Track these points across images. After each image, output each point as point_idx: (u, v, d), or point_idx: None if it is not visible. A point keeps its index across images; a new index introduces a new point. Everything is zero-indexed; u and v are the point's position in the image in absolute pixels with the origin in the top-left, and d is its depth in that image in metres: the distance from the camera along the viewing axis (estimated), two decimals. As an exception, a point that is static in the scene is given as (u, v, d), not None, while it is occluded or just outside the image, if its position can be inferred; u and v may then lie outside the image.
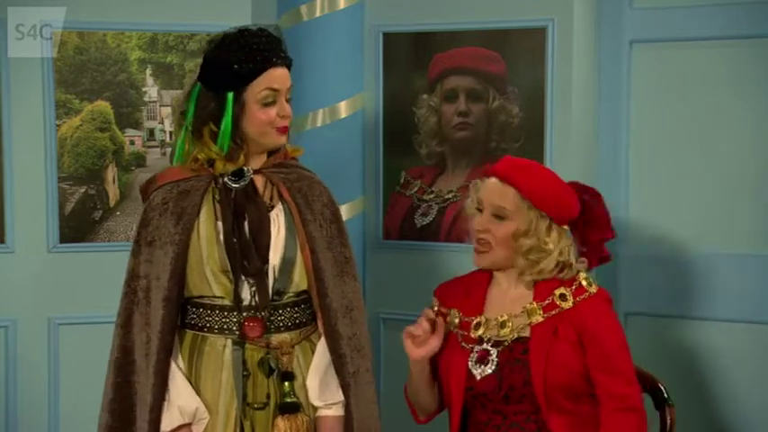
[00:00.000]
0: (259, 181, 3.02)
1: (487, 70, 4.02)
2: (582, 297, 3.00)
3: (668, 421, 3.15)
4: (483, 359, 2.99)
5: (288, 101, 2.97)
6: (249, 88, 2.92)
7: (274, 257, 2.95)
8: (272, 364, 2.94)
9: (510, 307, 3.03)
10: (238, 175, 2.98)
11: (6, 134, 4.04)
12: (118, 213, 4.17)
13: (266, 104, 2.93)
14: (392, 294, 4.20)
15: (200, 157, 2.98)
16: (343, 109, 4.15)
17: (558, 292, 3.00)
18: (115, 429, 2.98)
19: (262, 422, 2.95)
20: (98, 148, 4.14)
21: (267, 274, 2.94)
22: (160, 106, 4.21)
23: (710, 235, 3.82)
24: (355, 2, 4.15)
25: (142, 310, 2.96)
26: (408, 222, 4.22)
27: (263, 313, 2.94)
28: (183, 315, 2.99)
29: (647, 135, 3.91)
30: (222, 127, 2.93)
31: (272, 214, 2.99)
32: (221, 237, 2.93)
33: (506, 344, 2.99)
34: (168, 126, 4.20)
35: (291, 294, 2.99)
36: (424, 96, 4.15)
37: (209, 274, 2.93)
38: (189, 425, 2.94)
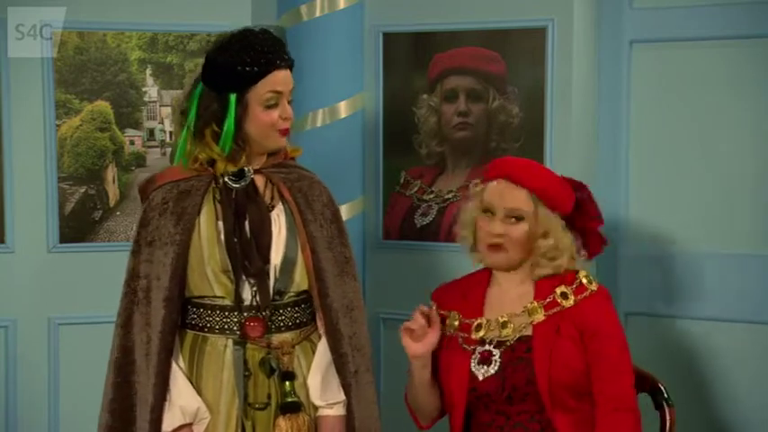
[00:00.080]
0: (259, 181, 3.02)
1: (487, 70, 4.02)
2: (583, 295, 3.01)
3: (668, 421, 3.15)
4: (485, 360, 2.99)
5: (289, 102, 2.97)
6: (252, 90, 2.91)
7: (275, 257, 2.95)
8: (273, 364, 2.94)
9: (510, 307, 3.03)
10: (239, 175, 2.99)
11: (6, 134, 4.03)
12: (118, 213, 4.17)
13: (269, 107, 2.93)
14: (392, 294, 4.20)
15: (200, 157, 2.98)
16: (343, 109, 4.15)
17: (558, 290, 3.01)
18: (115, 429, 2.98)
19: (263, 422, 2.95)
20: (98, 148, 4.14)
21: (268, 274, 2.94)
22: (160, 106, 4.21)
23: (710, 235, 3.82)
24: (355, 2, 4.15)
25: (142, 310, 2.96)
26: (408, 222, 4.22)
27: (264, 313, 2.94)
28: (184, 315, 2.99)
29: (647, 135, 3.91)
30: (225, 128, 2.92)
31: (273, 214, 2.99)
32: (222, 237, 2.93)
33: (509, 343, 2.99)
34: (168, 126, 4.20)
35: (292, 294, 2.99)
36: (424, 96, 4.15)
37: (209, 274, 2.94)
38: (190, 425, 2.94)
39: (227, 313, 2.95)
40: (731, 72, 3.77)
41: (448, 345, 3.04)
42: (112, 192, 4.17)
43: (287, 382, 2.95)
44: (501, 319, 3.01)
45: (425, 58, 4.13)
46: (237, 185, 2.98)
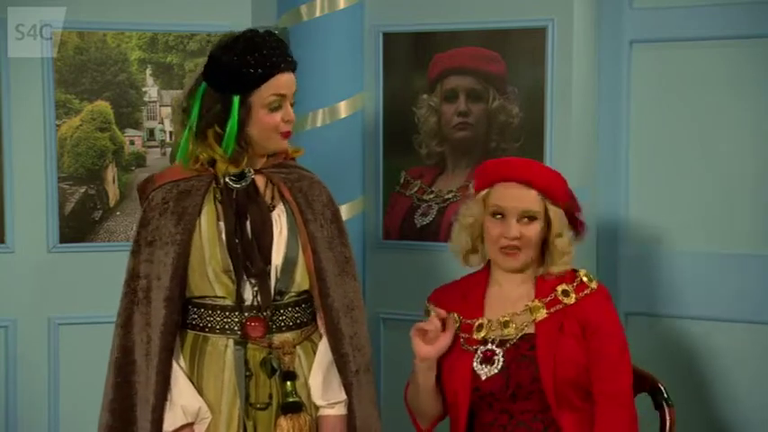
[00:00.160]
0: (260, 181, 3.02)
1: (487, 70, 4.02)
2: (584, 293, 3.02)
3: (668, 421, 3.15)
4: (488, 359, 2.99)
5: (291, 105, 2.97)
6: (256, 92, 2.91)
7: (277, 258, 2.95)
8: (275, 364, 2.94)
9: (511, 306, 3.04)
10: (240, 175, 2.98)
11: (6, 134, 4.03)
12: (118, 213, 4.17)
13: (272, 109, 2.93)
14: (392, 294, 4.20)
15: (202, 157, 2.97)
16: (343, 109, 4.15)
17: (560, 288, 3.02)
18: (116, 429, 2.98)
19: (264, 422, 2.95)
20: (98, 148, 4.14)
21: (269, 274, 2.94)
22: (160, 106, 4.20)
23: (710, 235, 3.82)
24: (355, 2, 4.15)
25: (142, 310, 2.96)
26: (408, 222, 4.22)
27: (265, 313, 2.94)
28: (184, 315, 2.98)
29: (647, 135, 3.91)
30: (227, 130, 2.92)
31: (274, 214, 2.99)
32: (223, 237, 2.93)
33: (512, 342, 2.99)
34: (168, 126, 4.20)
35: (293, 294, 2.99)
36: (424, 96, 4.14)
37: (210, 274, 2.93)
38: (191, 424, 2.94)
39: (227, 313, 2.95)
40: (731, 72, 3.77)
41: (449, 347, 3.03)
42: (112, 192, 4.16)
43: (288, 382, 2.95)
44: (502, 319, 3.02)
45: (425, 58, 4.13)
46: (238, 186, 2.98)
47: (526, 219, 3.00)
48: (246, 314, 2.94)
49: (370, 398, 3.07)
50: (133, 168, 4.18)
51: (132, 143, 4.18)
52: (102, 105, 4.13)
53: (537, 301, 3.02)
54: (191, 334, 2.98)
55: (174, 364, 2.94)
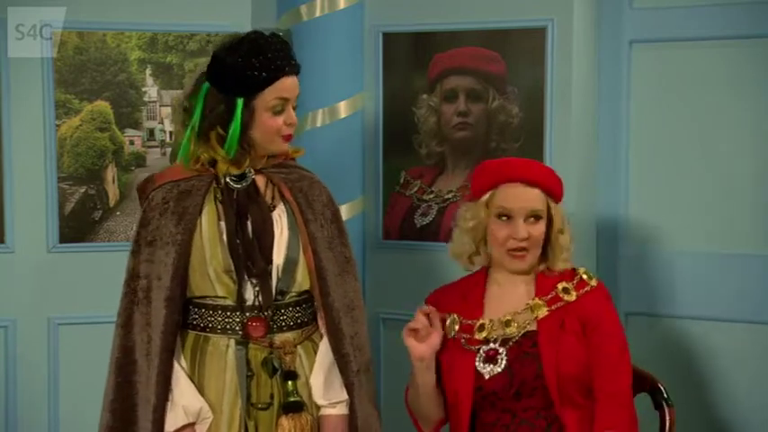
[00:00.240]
0: (260, 181, 3.02)
1: (487, 70, 4.02)
2: (584, 290, 3.03)
3: (668, 421, 3.15)
4: (491, 358, 2.99)
5: (294, 108, 2.97)
6: (260, 96, 2.91)
7: (278, 258, 2.96)
8: (276, 364, 2.94)
9: (512, 305, 3.04)
10: (240, 175, 2.99)
11: (6, 134, 4.03)
12: (118, 213, 4.17)
13: (275, 112, 2.93)
14: (392, 294, 4.20)
15: (203, 157, 2.97)
16: (343, 109, 4.15)
17: (560, 285, 3.03)
18: (117, 429, 2.98)
19: (265, 422, 2.95)
20: (98, 148, 4.14)
21: (271, 274, 2.95)
22: (160, 106, 4.20)
23: (710, 235, 3.82)
24: (355, 2, 4.14)
25: (143, 310, 2.96)
26: (408, 222, 4.22)
27: (266, 313, 2.94)
28: (185, 315, 2.98)
29: (647, 135, 3.91)
30: (230, 132, 2.92)
31: (275, 214, 2.99)
32: (224, 237, 2.93)
33: (514, 340, 3.00)
34: (168, 126, 4.20)
35: (294, 294, 3.00)
36: (424, 96, 4.14)
37: (211, 274, 2.93)
38: (193, 424, 2.94)
39: (228, 313, 2.95)
40: (731, 72, 3.77)
41: (450, 347, 3.04)
42: (112, 192, 4.16)
43: (289, 382, 2.95)
44: (504, 318, 3.02)
45: (425, 58, 4.13)
46: (239, 186, 2.98)
47: (532, 219, 3.01)
48: (247, 314, 2.94)
49: (371, 398, 3.08)
50: (133, 168, 4.18)
51: (132, 143, 4.18)
52: (102, 105, 4.13)
53: (538, 299, 3.02)
54: (191, 334, 2.98)
55: (176, 365, 2.94)
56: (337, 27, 4.13)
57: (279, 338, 2.97)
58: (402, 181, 4.22)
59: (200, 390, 2.94)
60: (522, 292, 3.05)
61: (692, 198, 3.84)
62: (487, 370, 2.99)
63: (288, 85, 2.93)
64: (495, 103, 4.02)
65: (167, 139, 4.20)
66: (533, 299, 3.02)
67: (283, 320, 2.98)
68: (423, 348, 3.00)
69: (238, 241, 2.92)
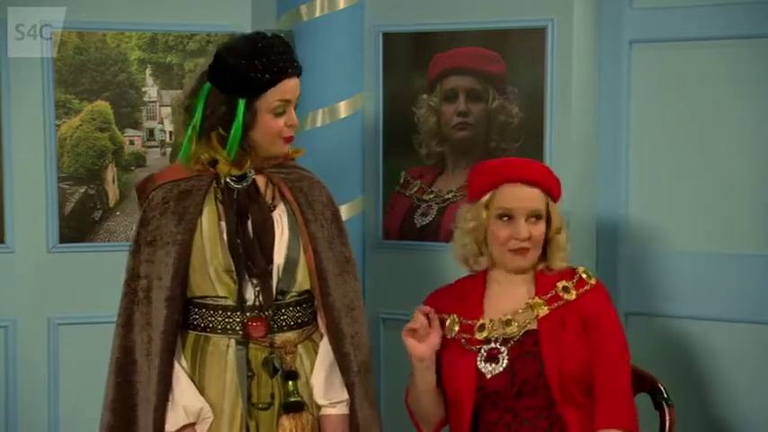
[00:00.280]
0: (260, 181, 3.02)
1: (487, 70, 4.02)
2: (584, 289, 3.04)
3: (667, 421, 3.15)
4: (493, 357, 2.99)
5: (294, 108, 2.97)
6: (263, 97, 2.90)
7: (278, 257, 2.96)
8: (277, 364, 2.94)
9: (512, 305, 3.04)
10: (240, 175, 2.99)
11: (6, 134, 4.03)
12: (118, 213, 4.17)
13: (277, 114, 2.93)
14: (392, 294, 4.20)
15: (203, 157, 2.97)
16: (343, 109, 4.15)
17: (560, 284, 3.04)
18: (117, 429, 2.98)
19: (266, 422, 2.95)
20: (98, 148, 4.14)
21: (271, 274, 2.95)
22: (160, 106, 4.20)
23: (710, 235, 3.82)
24: (355, 2, 4.14)
25: (143, 310, 2.96)
26: (408, 222, 4.22)
27: (266, 313, 2.94)
28: (185, 315, 2.98)
29: (647, 135, 3.91)
30: (232, 133, 2.91)
31: (275, 214, 2.99)
32: (225, 237, 2.93)
33: (515, 339, 3.00)
34: (168, 126, 4.20)
35: (294, 294, 3.00)
36: (424, 96, 4.14)
37: (212, 274, 2.93)
38: (193, 424, 2.94)
39: (229, 313, 2.95)
40: (731, 72, 3.77)
41: (450, 347, 3.04)
42: (112, 192, 4.17)
43: (290, 382, 2.96)
44: (504, 318, 3.02)
45: (425, 58, 4.13)
46: (239, 186, 2.98)
47: (533, 218, 3.01)
48: (248, 314, 2.94)
49: (371, 397, 3.08)
50: (133, 168, 4.18)
51: (132, 143, 4.18)
52: (102, 105, 4.13)
53: (538, 298, 3.02)
54: (192, 334, 2.98)
55: (176, 365, 2.94)
56: (337, 27, 4.13)
57: (279, 338, 2.97)
58: (402, 181, 4.22)
59: (201, 390, 2.94)
60: (522, 292, 3.05)
61: (692, 198, 3.84)
62: (489, 369, 2.99)
63: (290, 86, 2.93)
64: (495, 103, 4.02)
65: (167, 139, 4.20)
66: (533, 298, 3.03)
67: (284, 320, 2.98)
68: (422, 348, 3.00)
69: (239, 241, 2.92)
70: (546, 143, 3.93)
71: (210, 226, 2.94)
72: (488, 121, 4.04)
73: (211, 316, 2.96)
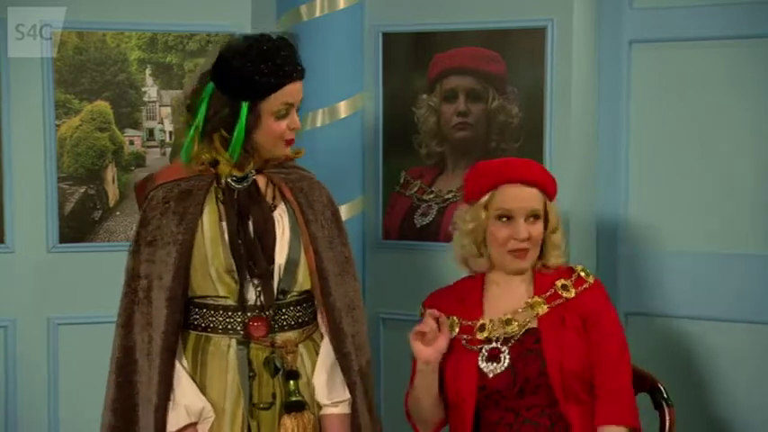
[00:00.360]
0: (261, 181, 3.02)
1: (487, 70, 4.02)
2: (583, 287, 3.05)
3: (667, 421, 3.15)
4: (494, 357, 2.99)
5: (296, 111, 2.97)
6: (266, 100, 2.89)
7: (279, 257, 2.96)
8: (278, 363, 2.94)
9: (511, 305, 3.04)
10: (241, 175, 2.98)
11: (6, 134, 4.03)
12: (117, 213, 4.17)
13: (279, 117, 2.93)
14: (392, 294, 4.20)
15: (204, 158, 2.97)
16: (343, 109, 4.15)
17: (559, 283, 3.05)
18: (118, 429, 2.98)
19: (267, 422, 2.95)
20: (98, 148, 4.14)
21: (272, 274, 2.94)
22: (160, 106, 4.20)
23: (710, 235, 3.82)
24: (355, 2, 4.14)
25: (143, 310, 2.96)
26: (408, 222, 4.22)
27: (267, 313, 2.94)
28: (186, 315, 2.98)
29: (647, 135, 3.91)
30: (235, 136, 2.91)
31: (276, 214, 2.99)
32: (226, 237, 2.93)
33: (516, 338, 3.00)
34: (168, 126, 4.20)
35: (295, 294, 3.00)
36: (424, 96, 4.14)
37: (213, 274, 2.93)
38: (195, 424, 2.94)
39: (230, 313, 2.95)
40: (731, 72, 3.77)
41: (451, 348, 3.03)
42: (112, 192, 4.16)
43: (291, 381, 2.96)
44: (504, 317, 3.02)
45: (425, 58, 4.13)
46: (240, 186, 2.98)
47: (532, 218, 3.02)
48: (249, 314, 2.94)
49: (372, 397, 3.08)
50: (133, 168, 4.18)
51: (132, 143, 4.18)
52: (102, 105, 4.13)
53: (537, 296, 3.03)
54: (193, 334, 2.98)
55: (177, 364, 2.94)
56: (337, 27, 4.13)
57: (280, 338, 2.97)
58: (402, 181, 4.22)
59: (202, 390, 2.94)
60: (521, 291, 3.06)
61: (692, 198, 3.84)
62: (491, 369, 2.99)
63: (294, 90, 2.93)
64: (495, 103, 4.02)
65: (167, 139, 4.20)
66: (533, 297, 3.03)
67: (284, 320, 2.98)
68: (429, 352, 3.00)
69: (240, 241, 2.92)
70: (546, 143, 3.93)
71: (211, 226, 2.94)
72: (488, 121, 4.04)
73: (212, 316, 2.96)
